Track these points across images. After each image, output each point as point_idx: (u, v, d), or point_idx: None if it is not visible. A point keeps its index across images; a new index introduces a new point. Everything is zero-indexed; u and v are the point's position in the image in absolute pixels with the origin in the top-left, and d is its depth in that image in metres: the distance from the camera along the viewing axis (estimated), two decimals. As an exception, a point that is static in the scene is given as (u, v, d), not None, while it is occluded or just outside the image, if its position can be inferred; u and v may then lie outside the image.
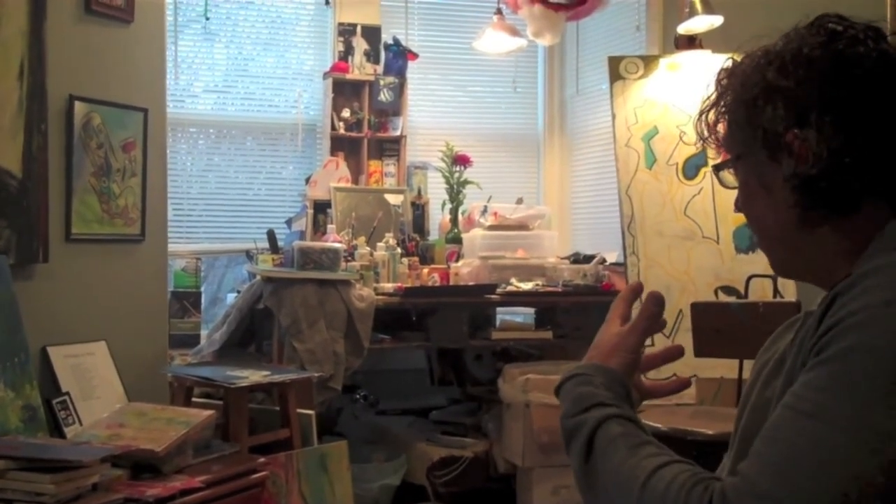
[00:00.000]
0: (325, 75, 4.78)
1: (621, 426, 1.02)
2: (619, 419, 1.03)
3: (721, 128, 1.14)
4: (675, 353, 1.20)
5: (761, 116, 1.05)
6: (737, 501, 0.87)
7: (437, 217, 4.86)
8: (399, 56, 4.84)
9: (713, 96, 1.14)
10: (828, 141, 1.00)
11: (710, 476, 0.93)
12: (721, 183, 1.19)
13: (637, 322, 1.15)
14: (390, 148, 4.88)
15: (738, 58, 1.12)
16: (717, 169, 1.17)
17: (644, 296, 1.19)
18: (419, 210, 4.84)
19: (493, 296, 4.14)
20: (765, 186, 1.08)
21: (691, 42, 4.14)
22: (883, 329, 0.88)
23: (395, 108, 4.86)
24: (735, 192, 1.17)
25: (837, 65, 1.02)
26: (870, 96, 1.01)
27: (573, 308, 4.25)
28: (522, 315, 4.71)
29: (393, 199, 4.65)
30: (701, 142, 1.17)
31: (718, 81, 1.14)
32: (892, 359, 0.87)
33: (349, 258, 4.06)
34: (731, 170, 1.15)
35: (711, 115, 1.15)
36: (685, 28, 4.09)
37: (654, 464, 0.96)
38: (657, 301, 1.16)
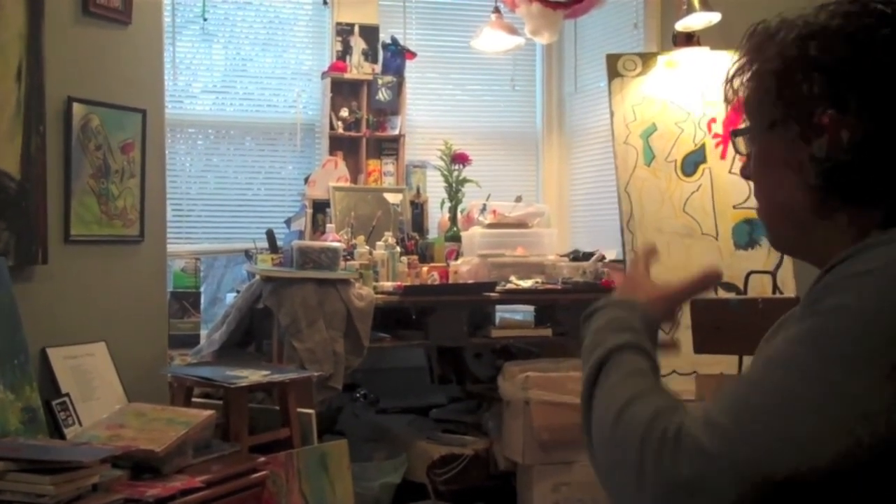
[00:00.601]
0: (324, 75, 4.78)
1: (634, 356, 1.05)
2: (636, 350, 1.06)
3: (745, 92, 1.09)
4: (713, 279, 1.25)
5: (797, 91, 1.01)
6: (692, 434, 0.87)
7: (436, 215, 4.86)
8: (397, 55, 4.84)
9: (743, 60, 1.08)
10: (865, 128, 0.97)
11: (676, 406, 0.94)
12: (736, 149, 1.15)
13: (690, 284, 1.20)
14: (389, 147, 4.88)
15: (772, 22, 1.07)
16: (736, 134, 1.13)
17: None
18: (418, 209, 4.84)
19: (492, 294, 4.14)
20: (787, 162, 1.04)
21: (689, 39, 4.15)
22: (869, 293, 0.88)
23: (394, 108, 4.86)
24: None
25: (885, 50, 0.98)
26: None
27: (573, 305, 4.25)
28: (522, 313, 4.71)
29: (392, 197, 4.66)
30: (726, 104, 1.12)
31: (751, 45, 1.08)
32: (871, 324, 0.86)
33: (348, 257, 4.06)
34: (749, 137, 1.10)
35: (737, 81, 1.09)
36: (683, 25, 4.09)
37: (633, 392, 0.98)
38: (718, 276, 1.23)
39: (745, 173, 1.12)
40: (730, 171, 3.98)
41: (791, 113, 1.02)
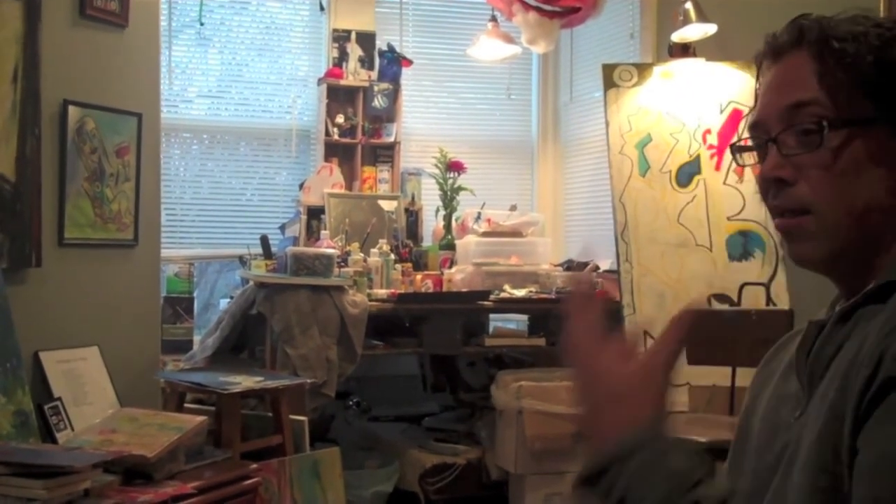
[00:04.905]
0: (320, 81, 4.78)
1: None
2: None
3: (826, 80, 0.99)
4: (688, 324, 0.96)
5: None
6: None
7: (431, 223, 4.86)
8: (393, 62, 4.84)
9: (837, 48, 0.98)
10: None
11: None
12: (798, 138, 1.00)
13: (661, 351, 0.94)
14: (384, 154, 4.88)
15: (835, 19, 1.00)
16: (833, 126, 0.98)
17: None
18: (413, 216, 4.83)
19: (486, 302, 4.14)
20: (875, 160, 0.97)
21: (685, 50, 4.16)
22: None
23: (390, 115, 4.86)
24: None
25: None
26: None
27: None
28: (516, 322, 4.71)
29: (386, 205, 4.65)
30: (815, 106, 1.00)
31: (811, 29, 1.00)
32: None
33: (342, 264, 4.06)
34: (823, 134, 0.98)
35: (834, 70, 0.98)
36: (679, 36, 4.10)
37: None
38: (691, 319, 0.95)
39: (786, 174, 1.00)
40: (724, 183, 3.99)
41: (891, 106, 0.97)
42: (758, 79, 1.07)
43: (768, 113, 1.03)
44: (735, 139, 1.05)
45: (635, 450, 0.87)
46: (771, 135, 1.02)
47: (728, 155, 3.74)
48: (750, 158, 1.06)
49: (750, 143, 1.06)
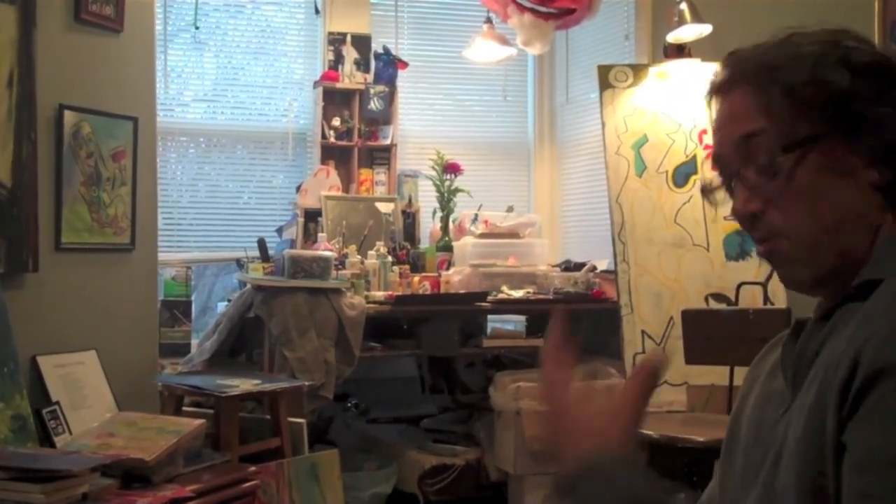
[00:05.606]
0: (316, 84, 4.78)
1: None
2: None
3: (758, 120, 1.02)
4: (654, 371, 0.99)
5: (844, 90, 0.98)
6: None
7: (428, 225, 4.87)
8: (389, 65, 4.85)
9: (745, 85, 1.03)
10: None
11: None
12: (746, 185, 1.04)
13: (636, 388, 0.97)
14: (381, 156, 4.88)
15: (751, 49, 1.05)
16: (786, 150, 1.00)
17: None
18: (410, 218, 4.84)
19: (484, 304, 4.14)
20: (834, 173, 0.99)
21: (680, 51, 4.16)
22: None
23: (386, 117, 4.86)
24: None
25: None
26: None
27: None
28: (513, 323, 4.71)
29: (383, 207, 4.65)
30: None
31: (750, 67, 1.03)
32: None
33: (340, 266, 4.06)
34: (775, 161, 1.00)
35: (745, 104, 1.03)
36: (674, 37, 4.11)
37: None
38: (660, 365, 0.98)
39: (757, 207, 1.04)
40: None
41: (834, 118, 0.99)
42: (710, 115, 1.10)
43: (724, 147, 1.06)
44: (704, 184, 1.07)
45: (592, 469, 0.91)
46: (732, 171, 1.06)
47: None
48: (721, 195, 1.10)
49: (717, 182, 1.09)
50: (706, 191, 1.11)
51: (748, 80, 1.03)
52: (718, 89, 1.07)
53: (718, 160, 1.08)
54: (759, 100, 1.02)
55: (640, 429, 0.96)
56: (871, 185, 0.99)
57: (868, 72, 0.99)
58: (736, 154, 1.04)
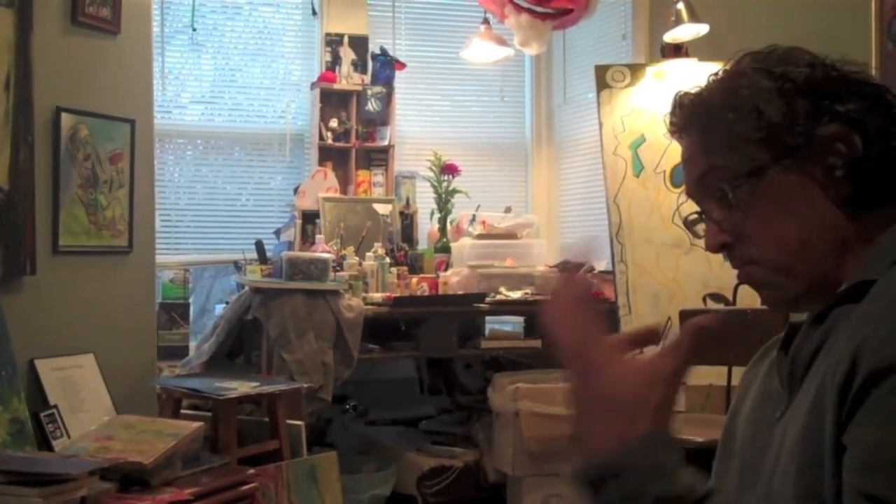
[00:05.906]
0: (313, 85, 4.78)
1: None
2: None
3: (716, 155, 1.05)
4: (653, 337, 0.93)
5: (791, 119, 1.01)
6: None
7: (426, 226, 4.86)
8: (386, 66, 4.84)
9: (697, 126, 1.07)
10: (871, 123, 0.99)
11: None
12: (709, 217, 1.08)
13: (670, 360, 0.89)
14: (378, 158, 4.88)
15: (692, 89, 1.09)
16: (735, 185, 1.03)
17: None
18: (407, 219, 4.83)
19: (482, 305, 4.14)
20: (788, 196, 1.02)
21: (677, 50, 4.16)
22: None
23: (383, 118, 4.86)
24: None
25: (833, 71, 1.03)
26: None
27: (562, 316, 4.25)
28: (512, 324, 4.71)
29: (381, 208, 4.65)
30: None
31: (701, 110, 1.07)
32: None
33: (338, 268, 4.06)
34: (729, 195, 1.04)
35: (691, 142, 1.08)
36: (671, 36, 4.11)
37: None
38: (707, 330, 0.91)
39: (725, 239, 1.06)
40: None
41: (775, 148, 1.01)
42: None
43: (689, 186, 1.11)
44: (684, 219, 1.10)
45: (621, 471, 0.84)
46: (700, 208, 1.10)
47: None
48: (701, 228, 1.12)
49: (695, 216, 1.13)
50: (688, 224, 1.14)
51: (693, 125, 1.08)
52: (676, 132, 1.11)
53: (690, 196, 1.12)
54: (705, 141, 1.06)
55: (676, 405, 0.87)
56: (831, 200, 1.01)
57: (806, 93, 1.01)
58: (698, 192, 1.09)
